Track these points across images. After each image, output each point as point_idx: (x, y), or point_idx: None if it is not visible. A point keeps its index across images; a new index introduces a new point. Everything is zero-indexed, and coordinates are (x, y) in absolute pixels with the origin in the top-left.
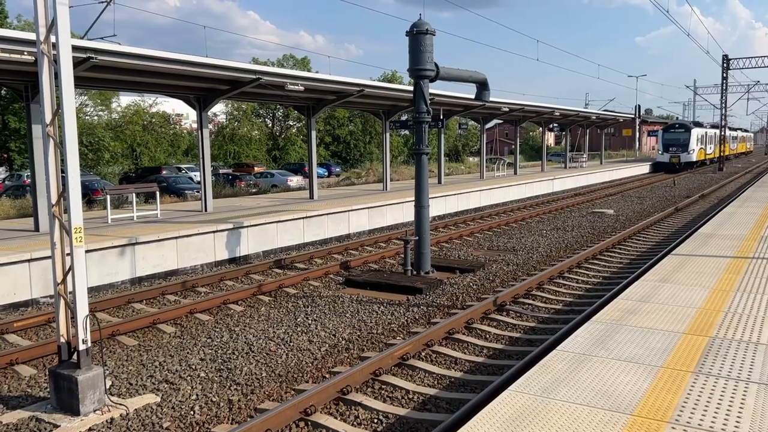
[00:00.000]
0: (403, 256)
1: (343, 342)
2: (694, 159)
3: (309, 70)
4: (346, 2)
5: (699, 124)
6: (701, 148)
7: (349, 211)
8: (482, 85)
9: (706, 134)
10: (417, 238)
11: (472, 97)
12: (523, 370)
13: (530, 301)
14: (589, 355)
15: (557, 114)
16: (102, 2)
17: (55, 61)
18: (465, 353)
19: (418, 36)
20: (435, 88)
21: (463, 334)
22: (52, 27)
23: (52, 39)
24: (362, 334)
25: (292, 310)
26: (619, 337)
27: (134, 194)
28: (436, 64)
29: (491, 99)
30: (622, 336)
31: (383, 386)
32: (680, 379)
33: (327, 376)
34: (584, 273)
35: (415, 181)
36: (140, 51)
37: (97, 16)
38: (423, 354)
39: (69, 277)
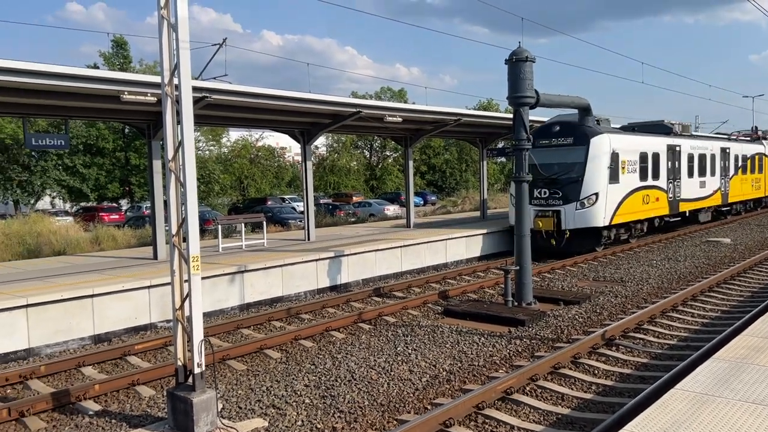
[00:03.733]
0: (503, 286)
1: (444, 373)
2: (601, 222)
3: (405, 102)
4: (440, 33)
5: (649, 128)
6: (635, 190)
7: (446, 239)
8: (585, 111)
9: (669, 152)
10: (518, 267)
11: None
12: (636, 409)
13: (642, 336)
14: (712, 396)
15: None
16: (214, 45)
17: (177, 101)
18: (572, 389)
19: (517, 63)
20: (532, 115)
21: (570, 368)
22: (175, 70)
23: (174, 81)
24: (463, 366)
25: (392, 338)
26: (745, 377)
27: (243, 224)
28: (536, 91)
29: None
30: (749, 376)
31: (486, 420)
32: None
33: (428, 407)
34: (700, 306)
35: (516, 208)
36: (249, 89)
37: (210, 58)
38: (528, 388)
39: (186, 303)
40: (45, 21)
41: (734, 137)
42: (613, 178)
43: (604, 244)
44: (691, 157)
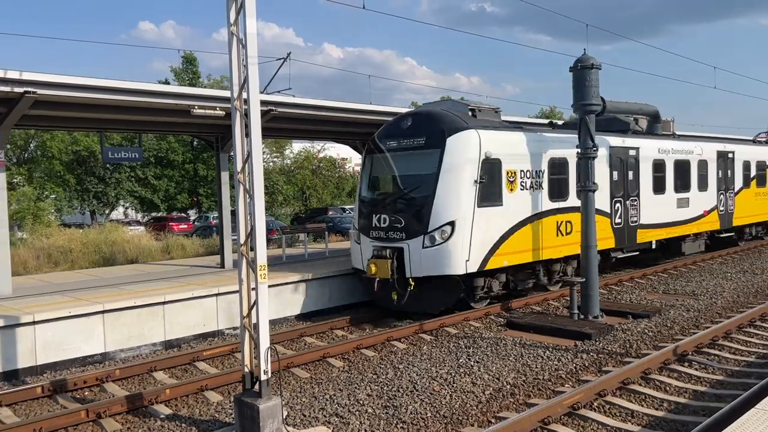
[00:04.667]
0: (568, 298)
1: (508, 386)
2: (462, 267)
3: None
4: (501, 42)
5: (570, 127)
6: (540, 216)
7: None
8: (654, 118)
9: (615, 157)
10: (584, 279)
11: None
12: (712, 428)
13: (716, 352)
14: None
15: None
16: (279, 59)
17: (245, 115)
18: (642, 405)
19: (583, 71)
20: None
21: (640, 384)
22: (244, 85)
23: (243, 95)
24: (527, 380)
25: (453, 350)
26: None
27: (306, 234)
28: (602, 98)
29: None
30: None
31: None
32: None
33: (492, 420)
34: None
35: (582, 219)
36: (312, 102)
37: (275, 72)
38: (595, 404)
39: (253, 311)
40: (119, 40)
41: (762, 139)
42: (489, 197)
43: (486, 299)
44: (659, 165)
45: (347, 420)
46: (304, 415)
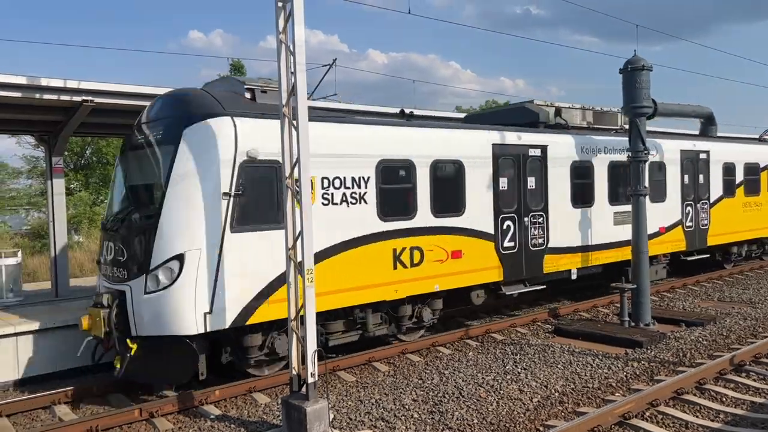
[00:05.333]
0: (617, 305)
1: (556, 394)
2: (193, 324)
3: None
4: (547, 44)
5: (491, 117)
6: (361, 241)
7: None
8: (708, 120)
9: (502, 159)
10: (635, 286)
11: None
12: None
13: None
14: None
15: None
16: (324, 65)
17: (293, 121)
18: (697, 416)
19: (633, 73)
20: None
21: (694, 394)
22: (292, 91)
23: (291, 102)
24: (576, 387)
25: (500, 356)
26: None
27: None
28: (653, 100)
29: None
30: None
31: None
32: None
33: (540, 429)
34: None
35: (632, 224)
36: (355, 107)
37: (321, 78)
38: (647, 414)
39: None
40: (171, 48)
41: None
42: (257, 217)
43: (274, 362)
44: (583, 169)
45: (393, 424)
46: (350, 419)
